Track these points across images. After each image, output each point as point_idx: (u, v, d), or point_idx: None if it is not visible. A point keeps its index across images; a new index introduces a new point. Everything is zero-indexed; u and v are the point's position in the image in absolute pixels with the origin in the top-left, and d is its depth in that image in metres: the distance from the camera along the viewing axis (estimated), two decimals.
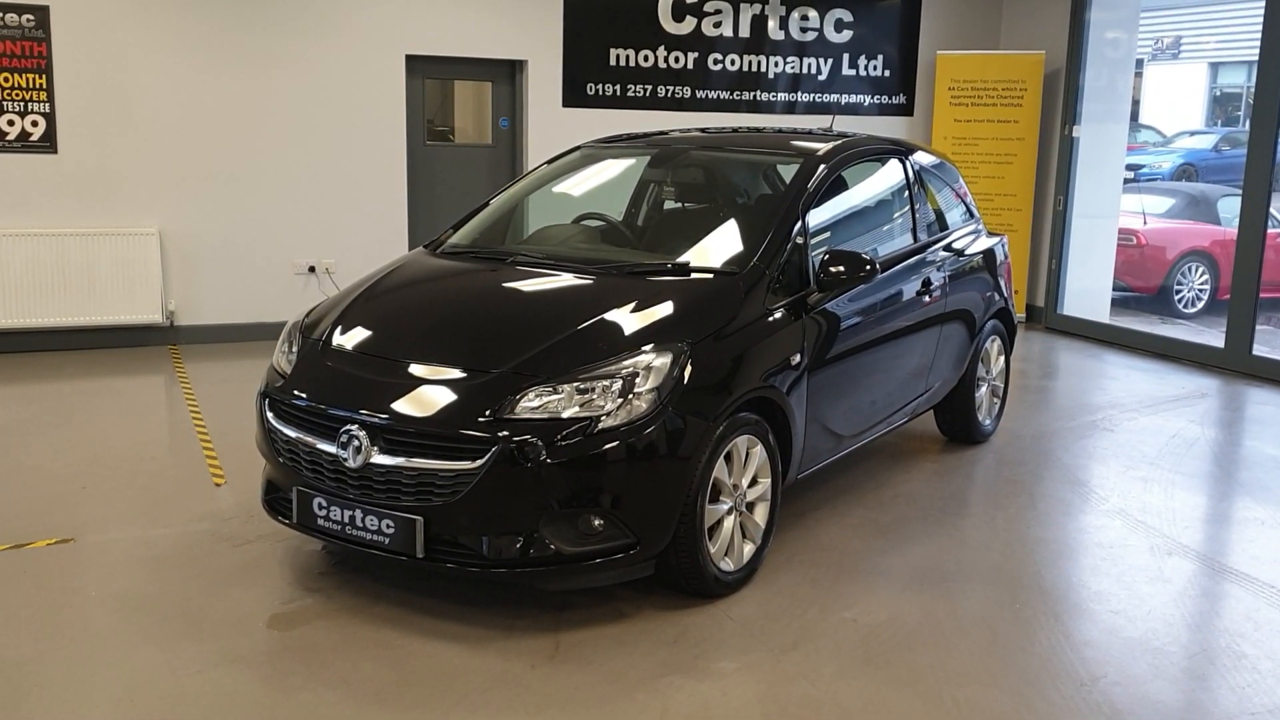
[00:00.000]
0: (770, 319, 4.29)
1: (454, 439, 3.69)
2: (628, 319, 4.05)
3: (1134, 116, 15.68)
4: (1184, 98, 24.23)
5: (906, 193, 5.55)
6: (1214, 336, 8.90)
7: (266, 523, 4.52)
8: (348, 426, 3.80)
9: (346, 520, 3.82)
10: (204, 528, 4.68)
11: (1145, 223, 11.10)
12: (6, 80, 7.53)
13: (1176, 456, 6.04)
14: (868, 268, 4.51)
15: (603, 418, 3.69)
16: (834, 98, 10.04)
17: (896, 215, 5.53)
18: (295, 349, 4.29)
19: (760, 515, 4.24)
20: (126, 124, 7.87)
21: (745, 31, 9.60)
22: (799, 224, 4.60)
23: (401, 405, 3.79)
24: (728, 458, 4.02)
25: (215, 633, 3.76)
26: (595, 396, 3.73)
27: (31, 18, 7.54)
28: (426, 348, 4.08)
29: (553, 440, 3.64)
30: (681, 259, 4.60)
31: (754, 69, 9.70)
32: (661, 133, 5.98)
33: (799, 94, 9.91)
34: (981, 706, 3.43)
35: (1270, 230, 8.19)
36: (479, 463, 3.63)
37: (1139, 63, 20.37)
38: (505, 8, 8.79)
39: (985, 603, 4.16)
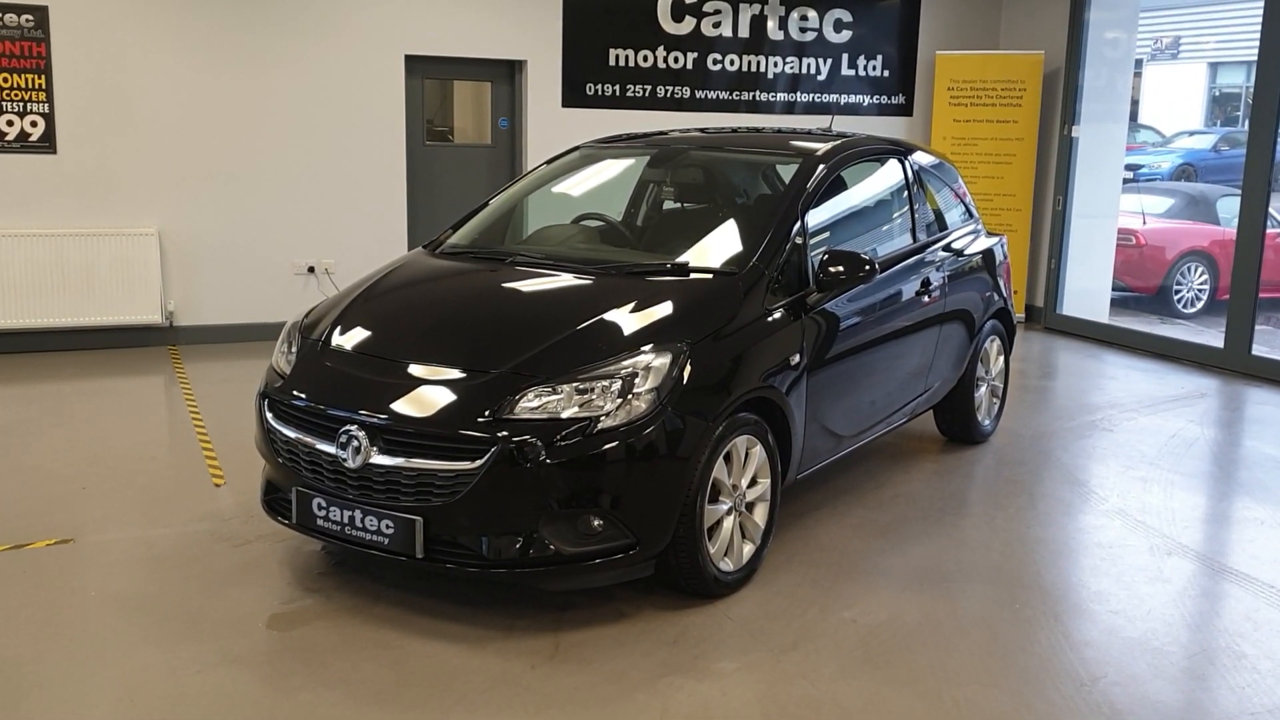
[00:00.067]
0: (769, 319, 4.29)
1: (453, 439, 3.69)
2: (627, 319, 4.05)
3: (1133, 116, 15.70)
4: (1183, 98, 24.24)
5: (906, 193, 5.55)
6: (1213, 336, 8.90)
7: (266, 523, 4.52)
8: (347, 427, 3.80)
9: (346, 520, 3.82)
10: (203, 528, 4.68)
11: (1144, 223, 11.11)
12: (6, 80, 7.53)
13: (1176, 456, 6.04)
14: (867, 268, 4.51)
15: (602, 418, 3.69)
16: (833, 98, 10.04)
17: (896, 215, 5.53)
18: (294, 349, 4.29)
19: (760, 515, 4.24)
20: (126, 124, 7.87)
21: (744, 32, 9.60)
22: (798, 224, 4.60)
23: (401, 405, 3.79)
24: (727, 458, 4.02)
25: (215, 633, 3.76)
26: (594, 397, 3.73)
27: (31, 18, 7.54)
28: (426, 348, 4.08)
29: (552, 440, 3.64)
30: (681, 259, 4.60)
31: (753, 69, 9.70)
32: (661, 133, 5.98)
33: (798, 94, 9.91)
34: (981, 706, 3.43)
35: (1269, 230, 8.20)
36: (478, 463, 3.63)
37: (1138, 63, 20.36)
38: (505, 8, 8.79)
39: (985, 603, 4.16)
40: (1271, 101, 7.82)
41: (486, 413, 3.71)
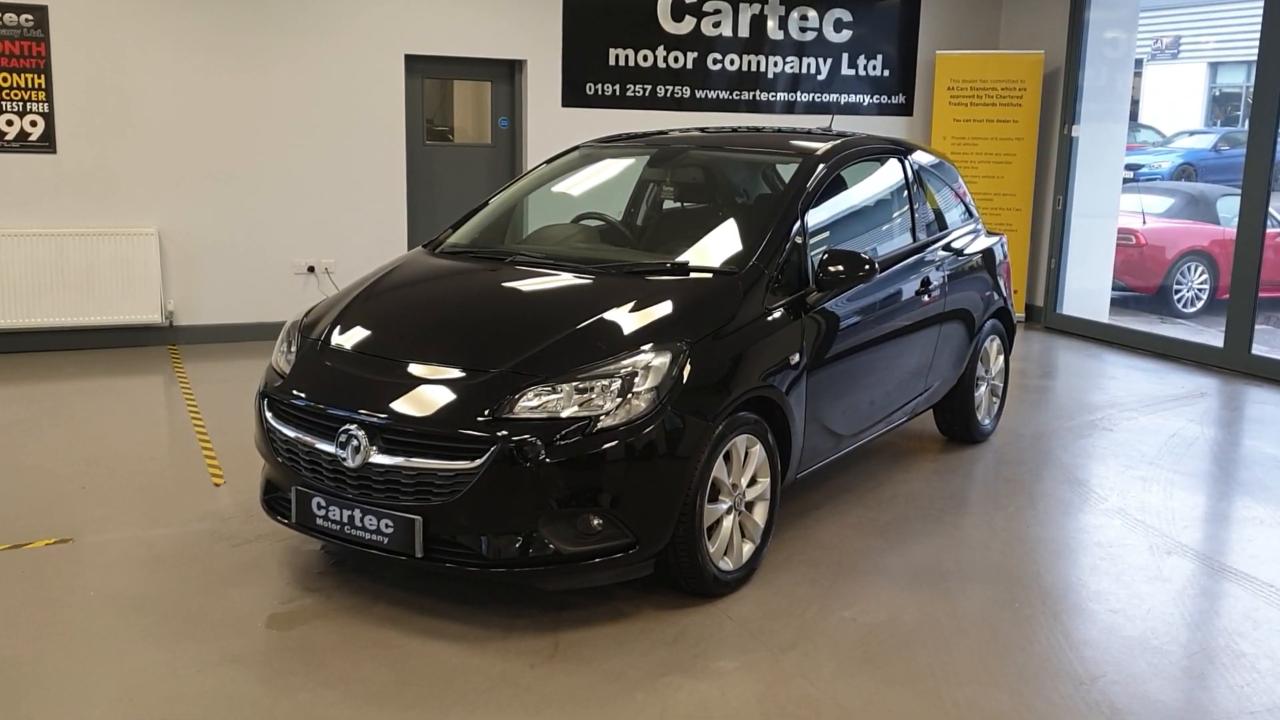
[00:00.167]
0: (769, 318, 4.29)
1: (453, 438, 3.69)
2: (627, 318, 4.05)
3: (1133, 116, 15.68)
4: (1183, 97, 24.23)
5: (905, 192, 5.55)
6: (1213, 336, 8.90)
7: (265, 522, 4.52)
8: (346, 426, 3.79)
9: (345, 520, 3.82)
10: (203, 528, 4.68)
11: (1144, 222, 11.11)
12: (5, 80, 7.53)
13: (1175, 456, 6.04)
14: (867, 267, 4.51)
15: (602, 417, 3.69)
16: (833, 97, 10.04)
17: (895, 215, 5.53)
18: (294, 349, 4.29)
19: (759, 515, 4.24)
20: (125, 124, 7.87)
21: (744, 31, 9.60)
22: (798, 223, 4.60)
23: (400, 405, 3.79)
24: (727, 457, 4.02)
25: (214, 632, 3.76)
26: (594, 396, 3.73)
27: (30, 17, 7.54)
28: (425, 347, 4.08)
29: (552, 440, 3.64)
30: (680, 258, 4.60)
31: (753, 69, 9.70)
32: (661, 132, 5.98)
33: (798, 94, 9.91)
34: (981, 706, 3.43)
35: (1269, 230, 8.19)
36: (478, 462, 3.63)
37: (1138, 62, 20.35)
38: (504, 8, 8.79)
39: (984, 602, 4.16)
40: (1271, 101, 7.82)
41: (486, 412, 3.71)
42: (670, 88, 9.42)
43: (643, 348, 3.89)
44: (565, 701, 3.39)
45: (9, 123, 7.57)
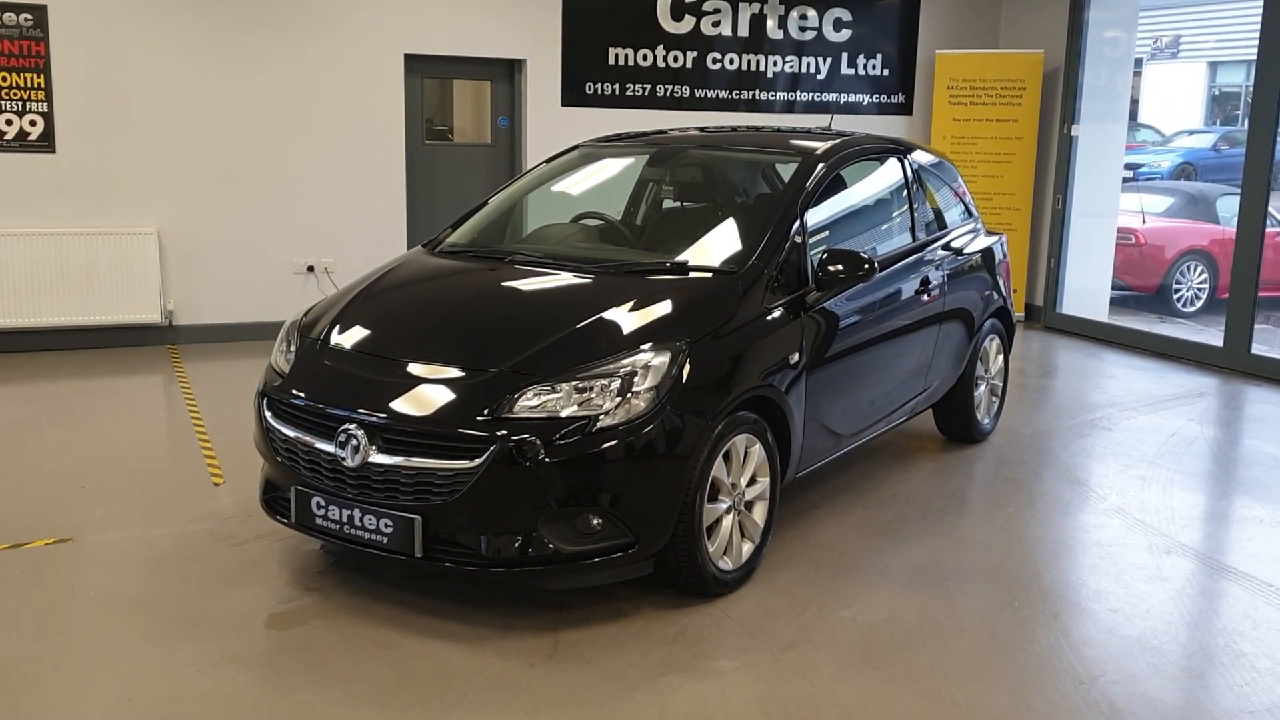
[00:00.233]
0: (769, 318, 4.29)
1: (452, 438, 3.69)
2: (626, 318, 4.05)
3: (1133, 115, 15.69)
4: (1183, 97, 24.23)
5: (905, 192, 5.55)
6: (1213, 335, 8.90)
7: (265, 522, 4.52)
8: (346, 426, 3.79)
9: (345, 519, 3.82)
10: (202, 527, 4.68)
11: (1144, 222, 11.11)
12: (4, 80, 7.53)
13: (1175, 455, 6.04)
14: (866, 267, 4.51)
15: (601, 417, 3.69)
16: (833, 97, 10.04)
17: (895, 214, 5.53)
18: (293, 348, 4.29)
19: (759, 514, 4.24)
20: (125, 123, 7.87)
21: (744, 31, 9.60)
22: (797, 223, 4.60)
23: (400, 404, 3.79)
24: (726, 456, 4.02)
25: (214, 632, 3.76)
26: (594, 395, 3.73)
27: (30, 17, 7.53)
28: (425, 347, 4.08)
29: (551, 439, 3.64)
30: (680, 258, 4.60)
31: (753, 68, 9.70)
32: (660, 132, 5.98)
33: (798, 93, 9.91)
34: (980, 705, 3.43)
35: (1269, 229, 8.19)
36: (477, 462, 3.63)
37: (1138, 62, 20.35)
38: (504, 7, 8.79)
39: (984, 602, 4.16)
40: (1271, 100, 7.82)
41: (485, 411, 3.71)
42: (670, 87, 9.42)
43: (642, 347, 3.89)
44: (565, 701, 3.39)
45: (8, 122, 7.57)
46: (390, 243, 8.36)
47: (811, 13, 9.82)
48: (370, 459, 3.74)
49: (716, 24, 9.49)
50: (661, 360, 3.84)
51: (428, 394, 3.81)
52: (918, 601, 4.12)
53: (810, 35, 9.86)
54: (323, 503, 3.87)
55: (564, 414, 3.69)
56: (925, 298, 5.37)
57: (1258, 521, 5.13)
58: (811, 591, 4.18)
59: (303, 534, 4.13)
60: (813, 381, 4.48)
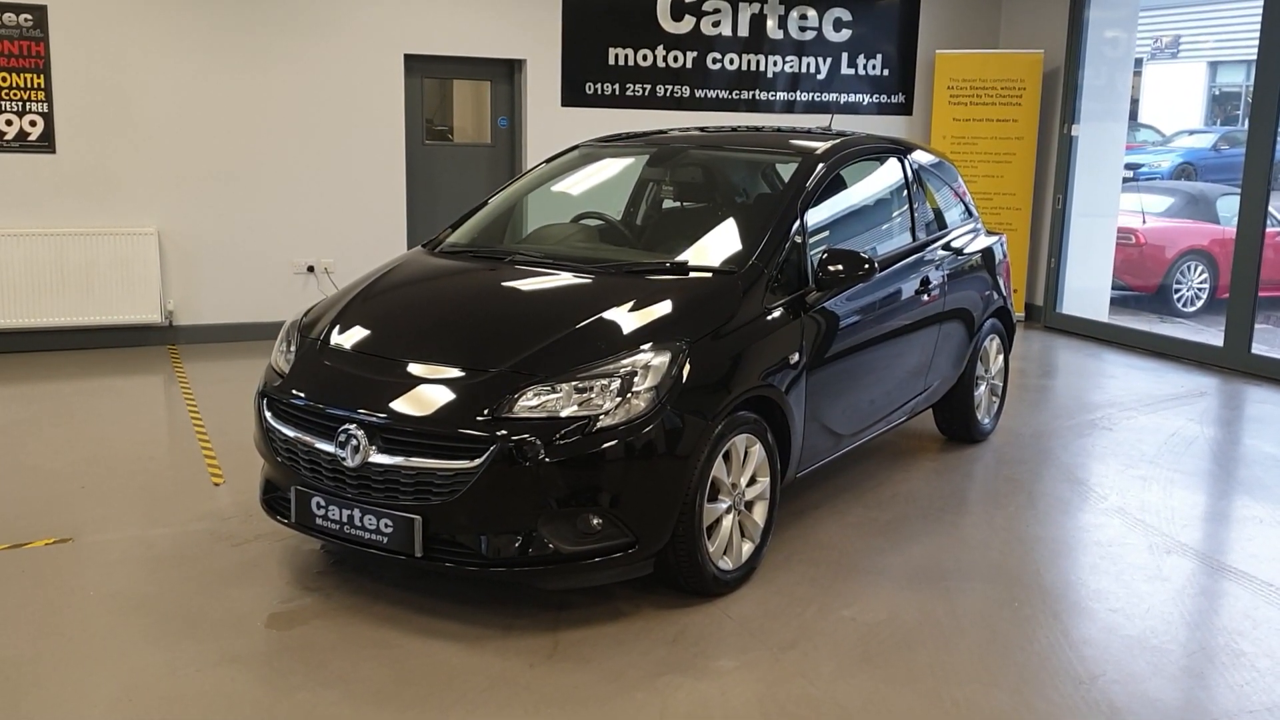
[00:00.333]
0: (769, 318, 4.29)
1: (452, 438, 3.69)
2: (626, 318, 4.05)
3: (1133, 115, 15.69)
4: (1183, 97, 24.23)
5: (905, 192, 5.55)
6: (1213, 335, 8.90)
7: (265, 522, 4.52)
8: (346, 426, 3.79)
9: (345, 519, 3.82)
10: (202, 527, 4.68)
11: (1144, 222, 11.11)
12: (4, 80, 7.53)
13: (1175, 455, 6.04)
14: (866, 266, 4.51)
15: (601, 417, 3.69)
16: (833, 97, 10.04)
17: (895, 214, 5.53)
18: (293, 348, 4.29)
19: (759, 514, 4.24)
20: (125, 123, 7.87)
21: (744, 31, 9.60)
22: (797, 223, 4.60)
23: (400, 404, 3.79)
24: (726, 456, 4.02)
25: (214, 632, 3.76)
26: (594, 395, 3.73)
27: (29, 17, 7.53)
28: (425, 347, 4.08)
29: (551, 439, 3.64)
30: (680, 258, 4.60)
31: (753, 68, 9.70)
32: (660, 132, 5.98)
33: (798, 93, 9.91)
34: (980, 705, 3.43)
35: (1269, 229, 8.19)
36: (477, 462, 3.63)
37: (1138, 62, 20.35)
38: (504, 7, 8.79)
39: (984, 601, 4.16)
40: (1271, 100, 7.82)
41: (485, 411, 3.71)
42: (670, 87, 9.42)
43: (642, 347, 3.89)
44: (565, 701, 3.39)
45: (8, 122, 7.57)
46: (390, 243, 8.37)
47: (811, 13, 9.82)
48: (370, 459, 3.74)
49: (716, 24, 9.49)
50: (661, 360, 3.84)
51: (428, 394, 3.81)
52: (918, 601, 4.12)
53: (810, 35, 9.86)
54: (323, 503, 3.87)
55: (564, 414, 3.69)
56: (925, 298, 5.37)
57: (1258, 521, 5.13)
58: (811, 591, 4.18)
59: (303, 534, 4.13)
60: (813, 381, 4.48)
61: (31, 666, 3.53)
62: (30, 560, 4.34)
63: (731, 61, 9.60)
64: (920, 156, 5.84)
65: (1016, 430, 6.41)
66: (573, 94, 9.11)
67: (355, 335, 4.23)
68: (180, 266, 8.16)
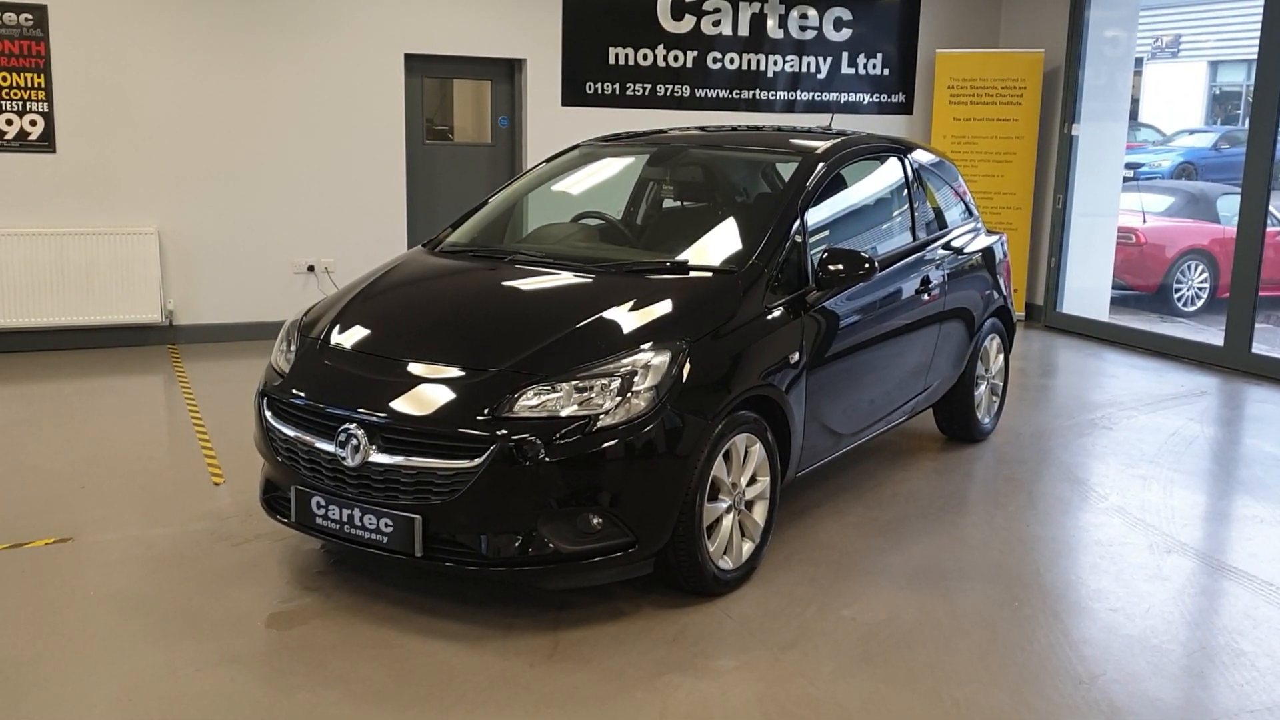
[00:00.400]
0: (769, 317, 4.29)
1: (452, 437, 3.69)
2: (626, 317, 4.05)
3: (1133, 115, 15.67)
4: (1183, 96, 24.22)
5: (905, 191, 5.55)
6: (1213, 335, 8.90)
7: (265, 522, 4.52)
8: (346, 425, 3.79)
9: (345, 519, 3.82)
10: (203, 527, 4.68)
11: (1145, 221, 11.10)
12: (5, 79, 7.53)
13: (1176, 454, 6.04)
14: (866, 266, 4.51)
15: (601, 416, 3.69)
16: (833, 96, 10.04)
17: (895, 214, 5.53)
18: (293, 348, 4.29)
19: (759, 513, 4.24)
20: (125, 123, 7.87)
21: (744, 30, 9.60)
22: (798, 222, 4.60)
23: (400, 404, 3.79)
24: (726, 456, 4.02)
25: (214, 632, 3.76)
26: (594, 395, 3.73)
27: (30, 17, 7.53)
28: (425, 346, 4.08)
29: (551, 439, 3.64)
30: (680, 257, 4.60)
31: (753, 68, 9.70)
32: (660, 131, 5.98)
33: (798, 92, 9.91)
34: (980, 705, 3.42)
35: (1269, 229, 8.19)
36: (477, 461, 3.63)
37: (1138, 61, 20.35)
38: (504, 7, 8.79)
39: (984, 601, 4.16)
40: (1271, 100, 7.81)
41: (485, 411, 3.70)
42: (670, 87, 9.42)
43: (642, 347, 3.89)
44: (565, 700, 3.39)
45: (9, 122, 7.57)
46: (390, 243, 8.36)
47: (812, 12, 9.82)
48: (370, 458, 3.74)
49: (717, 23, 9.49)
50: (662, 360, 3.84)
51: (428, 393, 3.81)
52: (918, 601, 4.12)
53: (810, 35, 9.86)
54: (323, 502, 3.87)
55: (564, 413, 3.69)
56: (925, 297, 5.37)
57: (1258, 521, 5.12)
58: (811, 591, 4.18)
59: (303, 534, 4.13)
60: (813, 381, 4.48)
61: (31, 666, 3.53)
62: (30, 560, 4.34)
63: (732, 61, 9.60)
64: (920, 156, 5.83)
65: (1017, 430, 6.41)
66: (573, 94, 9.11)
67: (355, 335, 4.23)
68: (180, 266, 8.16)
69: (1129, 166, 12.97)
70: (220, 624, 3.82)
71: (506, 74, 9.08)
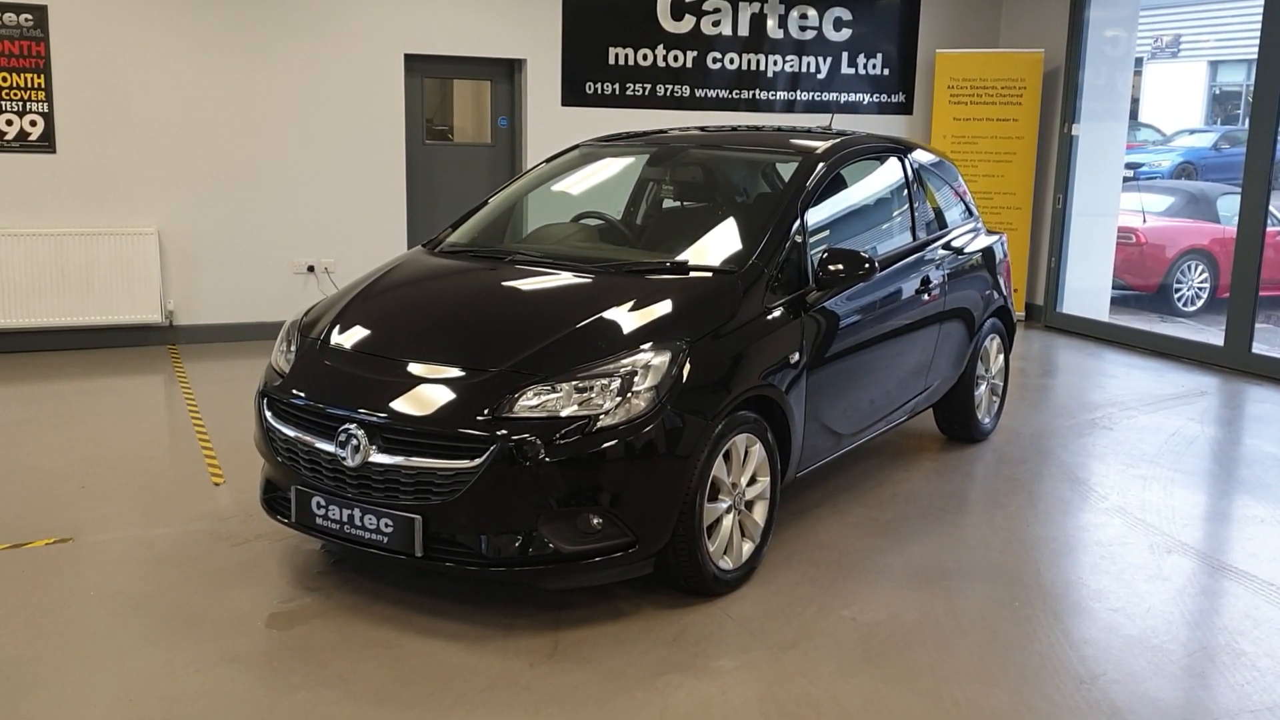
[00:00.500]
0: (769, 317, 4.29)
1: (452, 438, 3.68)
2: (626, 317, 4.05)
3: (1133, 115, 15.68)
4: (1183, 96, 24.23)
5: (905, 191, 5.55)
6: (1213, 335, 8.90)
7: (265, 522, 4.52)
8: (346, 425, 3.79)
9: (345, 519, 3.82)
10: (203, 527, 4.68)
11: (1145, 221, 11.10)
12: (5, 80, 7.53)
13: (1176, 454, 6.04)
14: (866, 266, 4.51)
15: (601, 416, 3.69)
16: (833, 96, 10.04)
17: (895, 214, 5.53)
18: (293, 348, 4.29)
19: (759, 514, 4.24)
20: (125, 123, 7.87)
21: (744, 30, 9.60)
22: (798, 222, 4.60)
23: (400, 404, 3.79)
24: (726, 456, 4.01)
25: (214, 632, 3.76)
26: (594, 395, 3.73)
27: (30, 17, 7.53)
28: (425, 346, 4.08)
29: (551, 439, 3.64)
30: (680, 257, 4.60)
31: (753, 68, 9.70)
32: (660, 131, 5.98)
33: (798, 92, 9.91)
34: (980, 705, 3.42)
35: (1269, 229, 8.19)
36: (477, 461, 3.63)
37: (1138, 61, 20.35)
38: (504, 7, 8.79)
39: (984, 601, 4.16)
40: (1272, 100, 7.81)
41: (486, 411, 3.70)
42: (670, 87, 9.42)
43: (642, 347, 3.89)
44: (565, 700, 3.39)
45: (9, 122, 7.57)
46: (390, 243, 8.36)
47: (811, 12, 9.82)
48: (370, 459, 3.74)
49: (716, 23, 9.49)
50: (662, 360, 3.84)
51: (428, 394, 3.81)
52: (918, 601, 4.12)
53: (810, 35, 9.86)
54: (323, 502, 3.87)
55: (564, 414, 3.69)
56: (925, 297, 5.37)
57: (1259, 521, 5.12)
58: (812, 591, 4.18)
59: (303, 534, 4.13)
60: (813, 381, 4.47)
61: (31, 666, 3.53)
62: (30, 560, 4.34)
63: (732, 61, 9.60)
64: (920, 156, 5.83)
65: (1017, 430, 6.41)
66: (573, 94, 9.11)
67: (355, 335, 4.23)
68: (180, 266, 8.16)
69: (1129, 166, 12.97)
70: (220, 624, 3.82)
71: (506, 74, 9.08)
